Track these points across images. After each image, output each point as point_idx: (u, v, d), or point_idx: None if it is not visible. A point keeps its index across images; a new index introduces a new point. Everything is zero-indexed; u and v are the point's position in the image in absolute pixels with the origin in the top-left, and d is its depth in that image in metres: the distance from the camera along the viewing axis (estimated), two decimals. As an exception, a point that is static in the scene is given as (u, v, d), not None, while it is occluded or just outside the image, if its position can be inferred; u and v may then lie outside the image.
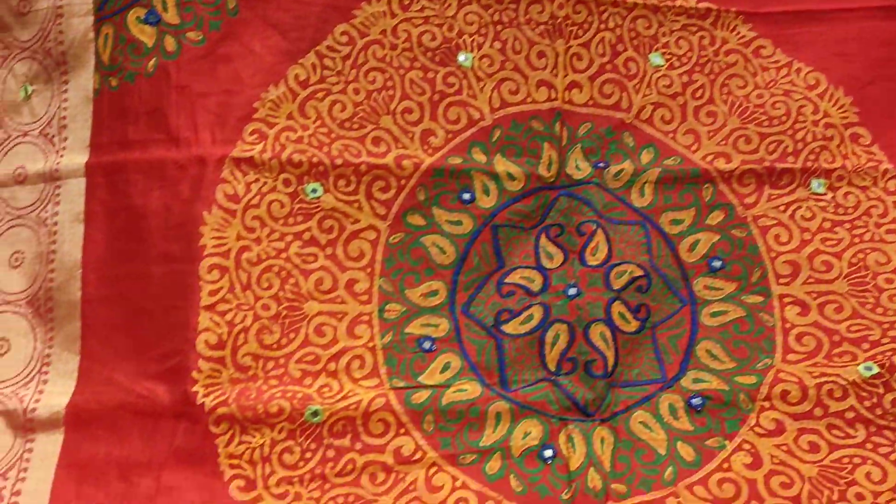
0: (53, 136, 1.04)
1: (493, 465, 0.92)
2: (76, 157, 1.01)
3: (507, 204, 1.03)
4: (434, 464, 0.91)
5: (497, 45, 1.07)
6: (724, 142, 1.06)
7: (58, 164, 1.01)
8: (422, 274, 1.00)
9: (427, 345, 0.98)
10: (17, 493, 0.89)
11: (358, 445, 0.91)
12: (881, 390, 0.94)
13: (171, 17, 1.03)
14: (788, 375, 0.95)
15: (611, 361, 0.97)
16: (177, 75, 1.01)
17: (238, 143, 1.01)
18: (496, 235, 1.02)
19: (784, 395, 0.94)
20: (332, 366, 0.96)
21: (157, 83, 1.01)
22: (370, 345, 0.97)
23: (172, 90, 1.01)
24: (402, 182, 1.02)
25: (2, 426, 0.93)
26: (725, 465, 0.92)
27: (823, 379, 0.94)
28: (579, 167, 1.05)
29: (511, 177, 1.03)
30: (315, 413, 0.92)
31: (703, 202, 1.04)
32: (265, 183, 1.00)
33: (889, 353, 0.96)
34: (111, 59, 1.02)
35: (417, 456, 0.91)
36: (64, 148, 1.03)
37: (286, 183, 1.00)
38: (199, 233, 0.97)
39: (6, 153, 1.05)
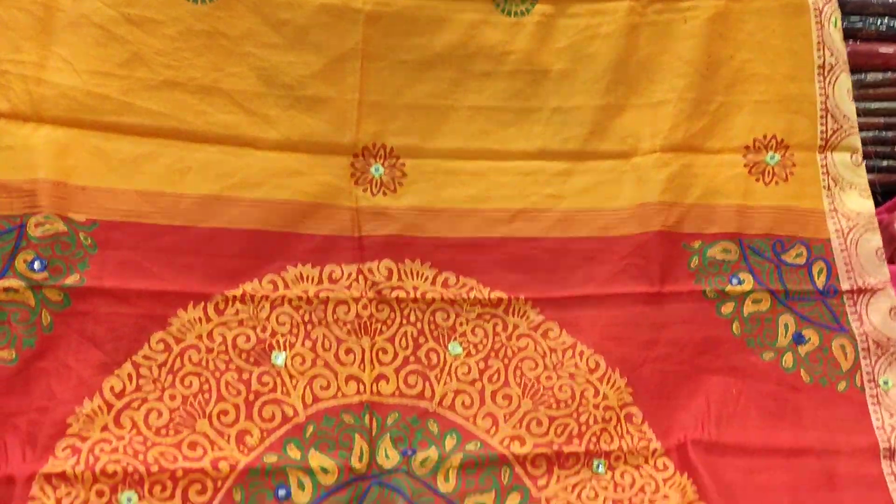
0: None
1: None
2: None
3: (321, 497, 1.08)
4: None
5: (308, 343, 1.15)
6: (518, 425, 1.17)
7: None
8: None
9: None
10: None
11: None
12: None
13: None
14: None
15: None
16: None
17: (50, 459, 1.02)
18: None
19: None
20: None
21: None
22: None
23: None
24: (219, 484, 1.06)
25: None
26: None
27: None
28: (388, 456, 1.12)
29: (325, 470, 1.09)
30: None
31: (501, 485, 1.13)
32: (77, 496, 1.01)
33: None
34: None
35: None
36: None
37: (99, 494, 1.02)
38: None
39: None
